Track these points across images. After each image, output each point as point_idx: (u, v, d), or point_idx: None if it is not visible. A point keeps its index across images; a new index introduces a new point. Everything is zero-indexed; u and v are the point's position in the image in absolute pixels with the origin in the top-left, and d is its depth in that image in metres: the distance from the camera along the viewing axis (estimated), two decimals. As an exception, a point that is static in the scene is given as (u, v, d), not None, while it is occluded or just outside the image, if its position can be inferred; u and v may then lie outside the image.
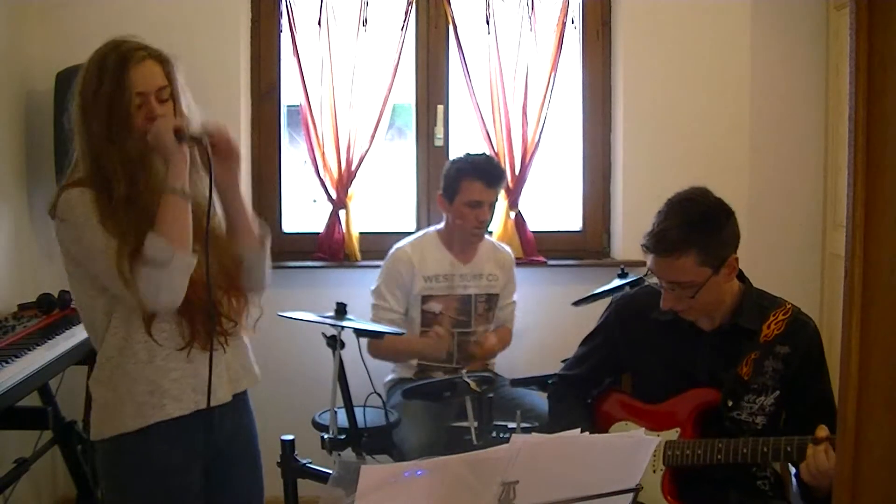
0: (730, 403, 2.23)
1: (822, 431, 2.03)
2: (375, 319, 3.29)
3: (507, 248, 3.55)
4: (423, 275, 3.31)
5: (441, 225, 3.41)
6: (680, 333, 2.30)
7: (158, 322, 1.97)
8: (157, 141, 1.91)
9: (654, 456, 2.22)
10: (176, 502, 2.03)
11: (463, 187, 3.25)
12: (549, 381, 2.65)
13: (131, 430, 1.97)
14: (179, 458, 2.02)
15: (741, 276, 2.31)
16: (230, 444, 2.13)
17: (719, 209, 2.21)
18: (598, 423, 2.44)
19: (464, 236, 3.33)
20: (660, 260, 2.18)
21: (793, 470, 2.29)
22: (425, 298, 3.32)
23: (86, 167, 1.98)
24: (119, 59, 1.93)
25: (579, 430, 1.66)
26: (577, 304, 3.38)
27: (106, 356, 2.00)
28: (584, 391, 2.54)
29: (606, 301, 3.16)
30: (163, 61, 1.99)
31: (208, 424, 2.05)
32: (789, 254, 3.88)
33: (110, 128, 1.92)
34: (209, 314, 1.98)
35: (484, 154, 3.40)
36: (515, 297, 3.51)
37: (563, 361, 2.68)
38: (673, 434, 2.25)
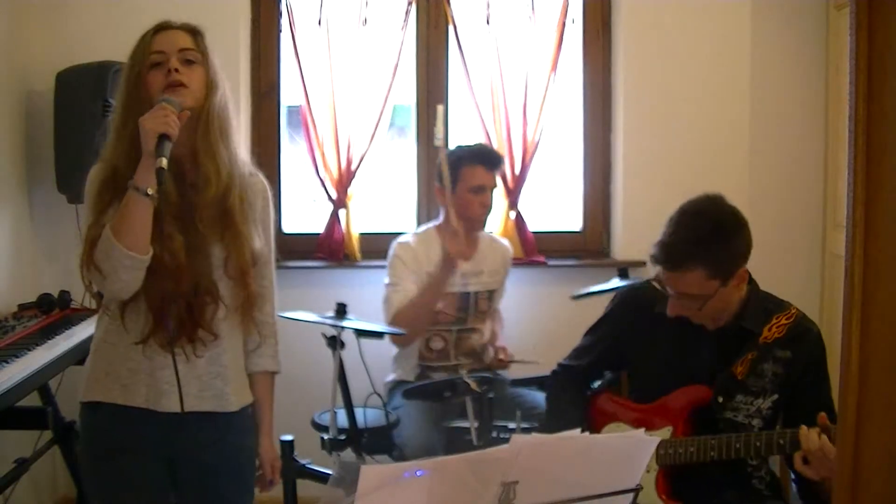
0: (720, 400, 2.23)
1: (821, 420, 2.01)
2: (389, 301, 3.23)
3: (505, 241, 3.54)
4: (428, 271, 3.29)
5: (438, 220, 3.39)
6: (682, 330, 2.29)
7: (130, 311, 1.97)
8: (142, 131, 1.84)
9: None
10: (122, 483, 2.02)
11: (464, 174, 3.23)
12: (552, 371, 2.63)
13: (86, 401, 2.04)
14: (125, 443, 2.01)
15: (748, 278, 2.30)
16: (201, 456, 2.06)
17: (731, 221, 2.19)
18: (591, 423, 2.44)
19: (468, 225, 3.29)
20: (668, 274, 2.18)
21: (793, 475, 2.30)
22: None
23: (109, 138, 2.00)
24: (149, 30, 1.98)
25: (579, 429, 1.66)
26: (576, 297, 3.37)
27: (97, 326, 2.06)
28: (585, 383, 2.54)
29: (606, 298, 3.16)
30: (190, 30, 2.00)
31: (164, 425, 2.01)
32: (789, 254, 3.88)
33: (129, 94, 1.93)
34: (180, 317, 1.95)
35: (480, 143, 3.42)
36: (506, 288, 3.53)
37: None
38: (666, 433, 2.25)
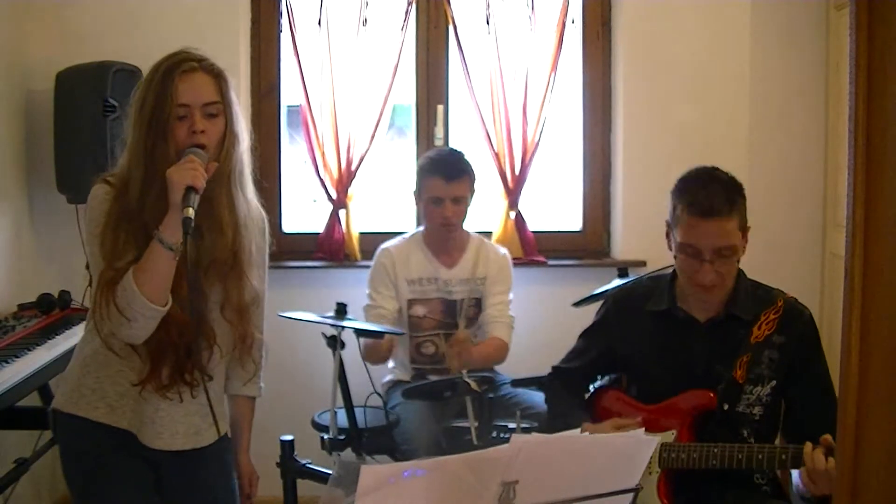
0: (725, 407, 2.23)
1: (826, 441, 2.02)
2: (365, 317, 3.28)
3: (500, 249, 3.47)
4: (407, 278, 3.29)
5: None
6: (675, 325, 2.31)
7: (135, 350, 1.96)
8: (170, 183, 1.84)
9: (650, 458, 2.22)
10: (110, 481, 2.01)
11: (424, 185, 3.23)
12: (547, 374, 2.63)
13: (64, 411, 2.02)
14: (111, 452, 2.01)
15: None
16: (186, 466, 2.08)
17: (736, 179, 2.27)
18: (593, 421, 2.43)
19: (435, 234, 3.30)
20: (711, 224, 2.17)
21: (794, 471, 2.30)
22: (410, 302, 3.31)
23: (121, 166, 1.98)
24: (168, 68, 1.91)
25: (579, 429, 1.66)
26: (577, 304, 3.37)
27: (85, 336, 2.04)
28: (582, 385, 2.54)
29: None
30: (216, 75, 1.95)
31: (147, 449, 2.02)
32: (789, 254, 3.88)
33: (148, 135, 1.91)
34: (179, 362, 1.96)
35: (449, 149, 3.35)
36: (510, 296, 3.39)
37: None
38: (669, 436, 2.25)
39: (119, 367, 1.98)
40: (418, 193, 3.28)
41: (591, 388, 2.60)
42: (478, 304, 3.36)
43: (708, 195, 2.18)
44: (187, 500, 2.10)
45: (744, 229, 2.23)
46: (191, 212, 1.81)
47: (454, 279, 3.32)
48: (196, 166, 1.85)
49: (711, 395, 2.23)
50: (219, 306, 2.01)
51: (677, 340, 2.31)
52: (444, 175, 3.19)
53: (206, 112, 1.92)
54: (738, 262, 2.25)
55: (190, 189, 1.83)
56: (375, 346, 3.18)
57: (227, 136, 1.96)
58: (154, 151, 1.90)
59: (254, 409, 2.28)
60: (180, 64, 1.92)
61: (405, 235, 3.42)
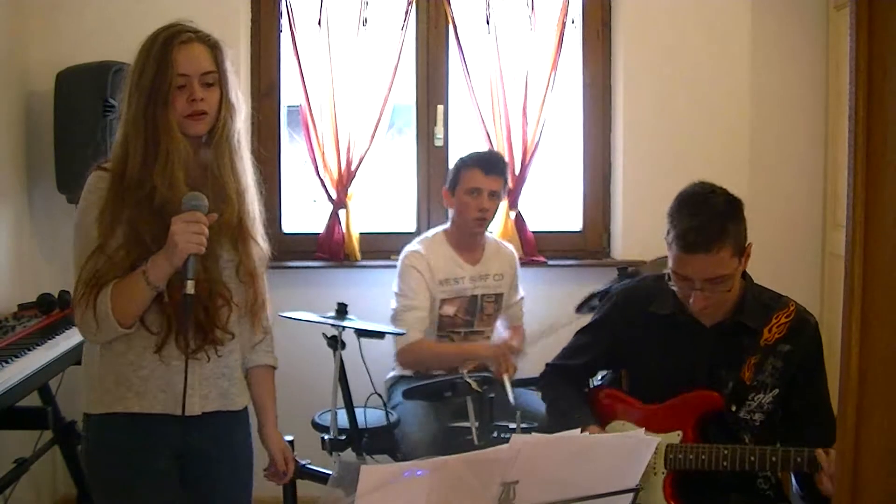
0: (733, 408, 2.23)
1: None
2: (401, 321, 3.24)
3: (510, 246, 3.54)
4: (438, 279, 3.30)
5: (447, 225, 3.40)
6: (680, 328, 2.28)
7: (150, 322, 1.97)
8: (172, 244, 1.87)
9: (655, 458, 2.22)
10: (138, 487, 2.02)
11: (462, 176, 3.28)
12: (542, 372, 2.61)
13: (95, 413, 2.03)
14: (142, 447, 2.01)
15: (742, 273, 2.31)
16: (208, 452, 2.08)
17: (735, 199, 2.21)
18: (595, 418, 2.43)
19: (466, 228, 3.31)
20: (700, 257, 2.12)
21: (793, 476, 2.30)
22: (442, 302, 3.31)
23: (115, 147, 2.01)
24: (165, 39, 1.96)
25: (579, 429, 1.66)
26: (578, 310, 3.36)
27: None
28: (579, 382, 2.52)
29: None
30: (212, 46, 2.00)
31: (181, 427, 2.00)
32: (789, 254, 3.88)
33: (148, 105, 1.93)
34: (199, 322, 1.97)
35: (489, 150, 3.48)
36: (522, 293, 3.50)
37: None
38: (675, 437, 2.24)
39: (135, 351, 1.99)
40: (453, 187, 3.31)
41: (590, 384, 2.59)
42: (497, 300, 3.38)
43: (695, 229, 2.12)
44: (207, 468, 2.09)
45: (741, 251, 2.17)
46: (191, 286, 1.87)
47: (476, 276, 3.35)
48: (201, 230, 1.89)
49: (717, 396, 2.22)
50: (234, 267, 2.05)
51: (681, 344, 2.29)
52: (484, 167, 3.27)
53: (203, 81, 1.97)
54: (737, 281, 2.20)
55: (191, 255, 1.88)
56: (422, 347, 3.21)
57: (224, 105, 2.01)
58: (155, 120, 1.93)
59: (273, 383, 2.25)
60: (178, 35, 1.97)
61: (425, 237, 3.42)
